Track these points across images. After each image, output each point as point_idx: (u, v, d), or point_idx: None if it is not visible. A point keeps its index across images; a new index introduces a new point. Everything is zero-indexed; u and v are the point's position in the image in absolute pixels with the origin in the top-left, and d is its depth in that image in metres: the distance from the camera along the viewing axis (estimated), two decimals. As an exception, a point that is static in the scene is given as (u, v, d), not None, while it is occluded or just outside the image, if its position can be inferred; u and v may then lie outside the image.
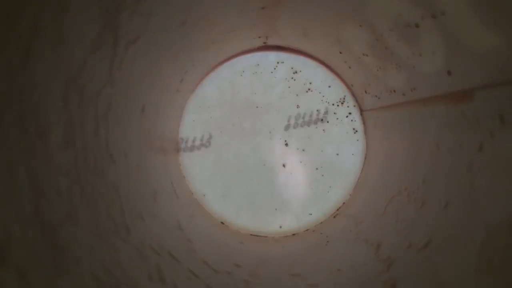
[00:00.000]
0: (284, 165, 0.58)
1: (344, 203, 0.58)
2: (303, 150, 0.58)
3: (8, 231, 0.19)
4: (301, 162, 0.58)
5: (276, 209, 0.58)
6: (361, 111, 0.58)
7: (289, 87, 0.59)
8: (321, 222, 0.58)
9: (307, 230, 0.58)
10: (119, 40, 0.30)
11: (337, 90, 0.58)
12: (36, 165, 0.23)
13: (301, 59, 0.59)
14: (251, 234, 0.58)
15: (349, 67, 0.53)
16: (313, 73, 0.58)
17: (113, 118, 0.33)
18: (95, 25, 0.26)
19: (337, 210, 0.58)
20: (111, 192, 0.32)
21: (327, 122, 0.58)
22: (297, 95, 0.58)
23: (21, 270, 0.20)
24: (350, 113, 0.58)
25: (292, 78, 0.59)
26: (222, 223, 0.57)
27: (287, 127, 0.58)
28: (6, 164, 0.20)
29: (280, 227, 0.58)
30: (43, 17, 0.21)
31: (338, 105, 0.58)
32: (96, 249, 0.27)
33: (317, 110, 0.58)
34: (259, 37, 0.54)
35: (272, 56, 0.59)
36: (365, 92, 0.53)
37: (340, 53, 0.51)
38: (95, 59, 0.28)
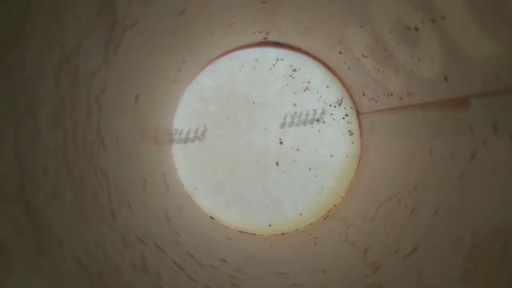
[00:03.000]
0: (277, 163, 0.58)
1: (335, 205, 0.58)
2: (298, 150, 0.58)
3: (-11, 206, 0.19)
4: (294, 161, 0.58)
5: (266, 207, 0.58)
6: (358, 113, 0.58)
7: (287, 84, 0.58)
8: (311, 223, 0.58)
9: (296, 230, 0.58)
10: (116, 24, 0.29)
11: (335, 91, 0.58)
12: (23, 142, 0.23)
13: (301, 57, 0.58)
14: (240, 231, 0.57)
15: (348, 68, 0.53)
16: (312, 72, 0.58)
17: (106, 103, 0.33)
18: (92, 6, 0.26)
19: (328, 212, 0.58)
20: (99, 177, 0.32)
21: (323, 122, 0.58)
22: (294, 93, 0.58)
23: (2, 245, 0.19)
24: (346, 115, 0.58)
25: (290, 76, 0.58)
26: (211, 217, 0.57)
27: (282, 125, 0.58)
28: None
29: (270, 225, 0.58)
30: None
31: (335, 106, 0.58)
32: (79, 232, 0.27)
33: (314, 110, 0.58)
34: (260, 32, 0.54)
35: (271, 53, 0.58)
36: (363, 94, 0.53)
37: (340, 53, 0.51)
38: (90, 40, 0.27)
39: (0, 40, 0.20)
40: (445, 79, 0.33)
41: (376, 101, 0.50)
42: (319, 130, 0.58)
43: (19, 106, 0.22)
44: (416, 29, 0.33)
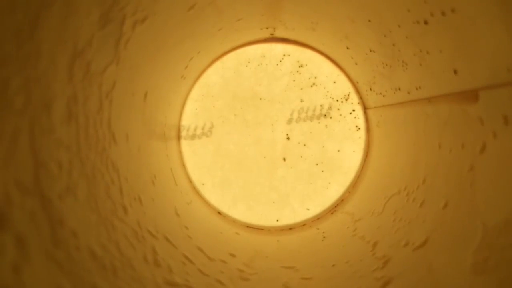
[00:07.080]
0: (284, 159, 0.58)
1: (342, 200, 0.58)
2: (304, 145, 0.58)
3: (8, 197, 0.19)
4: (301, 156, 0.58)
5: (274, 202, 0.58)
6: (365, 108, 0.58)
7: (294, 80, 0.58)
8: (319, 218, 0.58)
9: (304, 225, 0.58)
10: (126, 19, 0.30)
11: (342, 86, 0.58)
12: (38, 135, 0.23)
13: (307, 52, 0.58)
14: (248, 226, 0.57)
15: (356, 64, 0.53)
16: (319, 67, 0.58)
17: (116, 98, 0.33)
18: (104, 1, 0.26)
19: (335, 206, 0.58)
20: (111, 171, 0.32)
21: (330, 118, 0.58)
22: (301, 89, 0.58)
23: (20, 236, 0.20)
24: (353, 110, 0.58)
25: (297, 71, 0.58)
26: (219, 212, 0.57)
27: (289, 121, 0.58)
28: (10, 130, 0.20)
29: (277, 220, 0.58)
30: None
31: (342, 101, 0.58)
32: (93, 224, 0.27)
33: (321, 105, 0.58)
34: (267, 28, 0.54)
35: (278, 48, 0.58)
36: (370, 89, 0.53)
37: (347, 48, 0.51)
38: (102, 35, 0.27)
39: (16, 34, 0.20)
40: (455, 71, 0.33)
41: (383, 96, 0.50)
42: (326, 126, 0.58)
43: (34, 99, 0.22)
44: (426, 22, 0.33)
